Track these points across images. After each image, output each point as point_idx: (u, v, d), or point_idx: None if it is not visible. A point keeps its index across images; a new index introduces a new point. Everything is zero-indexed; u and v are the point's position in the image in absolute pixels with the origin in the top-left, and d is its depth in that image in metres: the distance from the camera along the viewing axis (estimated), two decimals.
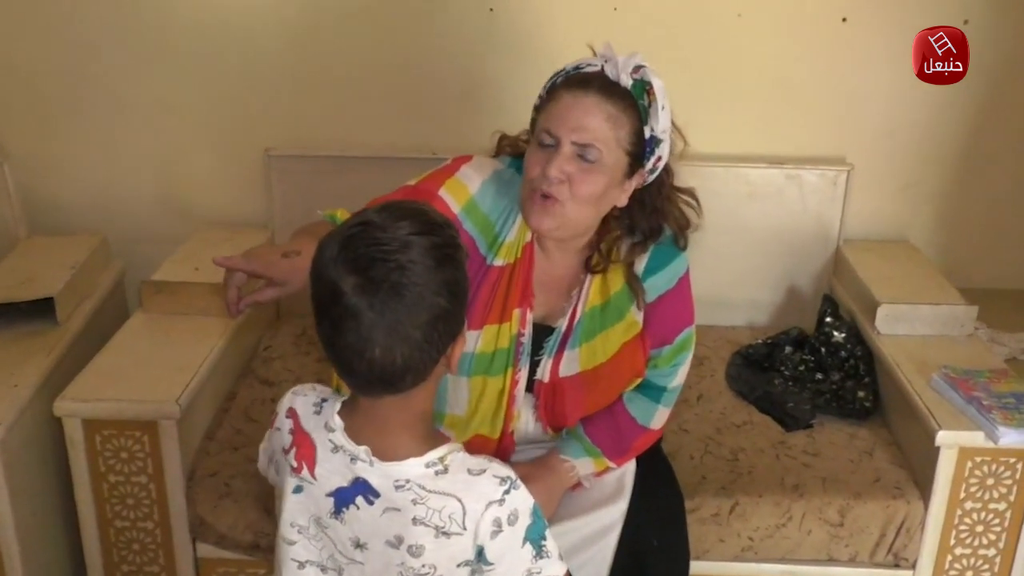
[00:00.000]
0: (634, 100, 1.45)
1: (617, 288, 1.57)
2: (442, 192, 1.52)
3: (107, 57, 2.43)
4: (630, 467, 1.66)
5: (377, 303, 1.03)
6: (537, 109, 1.53)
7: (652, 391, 1.64)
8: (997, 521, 1.89)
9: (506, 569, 1.12)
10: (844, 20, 2.40)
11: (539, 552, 1.13)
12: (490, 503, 1.10)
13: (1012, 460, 1.85)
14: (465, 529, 1.09)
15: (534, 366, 1.56)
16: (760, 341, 2.40)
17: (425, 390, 1.13)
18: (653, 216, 1.54)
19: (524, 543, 1.12)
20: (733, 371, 2.32)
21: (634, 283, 1.56)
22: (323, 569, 1.19)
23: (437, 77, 2.46)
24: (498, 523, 1.10)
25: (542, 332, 1.56)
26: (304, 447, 1.16)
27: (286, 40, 2.43)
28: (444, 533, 1.09)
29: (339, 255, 1.05)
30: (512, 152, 1.62)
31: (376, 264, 1.03)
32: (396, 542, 1.11)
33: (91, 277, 2.32)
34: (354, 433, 1.13)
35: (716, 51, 2.42)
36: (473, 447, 1.52)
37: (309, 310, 2.59)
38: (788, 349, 2.35)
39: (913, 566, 1.93)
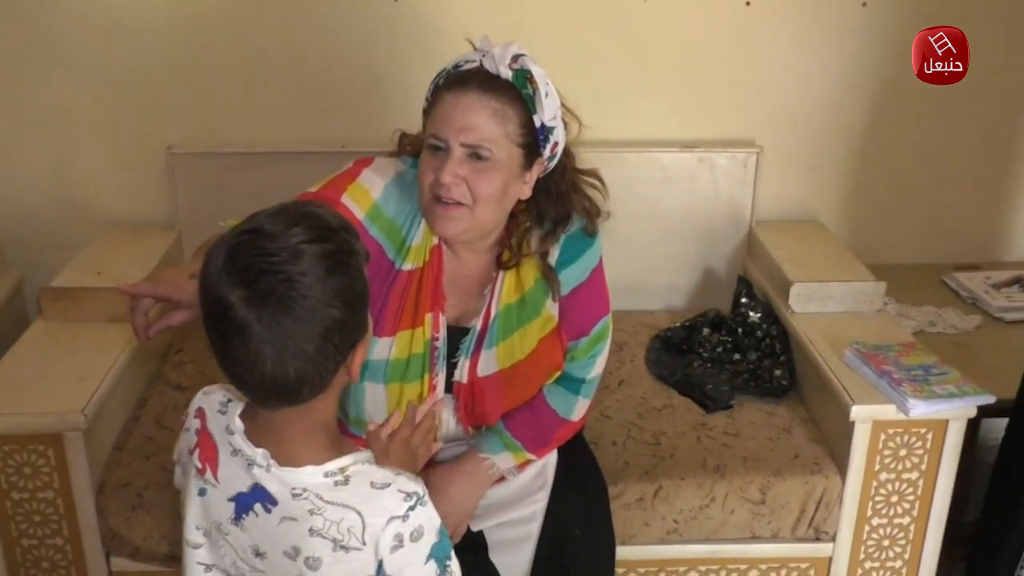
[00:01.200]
0: (517, 91, 1.43)
1: (531, 284, 1.55)
2: (345, 199, 1.48)
3: None
4: (551, 458, 1.65)
5: (265, 317, 0.98)
6: (425, 112, 1.50)
7: (571, 383, 1.63)
8: (911, 490, 1.94)
9: None
10: (748, 4, 2.42)
11: (443, 571, 1.11)
12: (392, 518, 1.06)
13: (923, 431, 1.90)
14: (364, 544, 1.06)
15: (451, 368, 1.54)
16: (678, 324, 2.42)
17: (325, 400, 1.09)
18: (559, 202, 1.53)
19: (428, 560, 1.09)
20: (652, 355, 2.34)
21: (549, 274, 1.55)
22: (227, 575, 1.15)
23: (343, 69, 2.41)
24: (399, 538, 1.06)
25: (457, 333, 1.54)
26: (207, 449, 1.13)
27: (184, 33, 2.35)
28: (343, 547, 1.06)
29: (225, 266, 1.00)
30: (413, 151, 1.59)
31: (264, 276, 0.98)
32: (293, 553, 1.07)
33: None
34: (255, 437, 1.09)
35: (624, 36, 2.43)
36: None
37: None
38: (706, 331, 2.37)
39: (833, 539, 1.97)
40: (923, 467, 1.92)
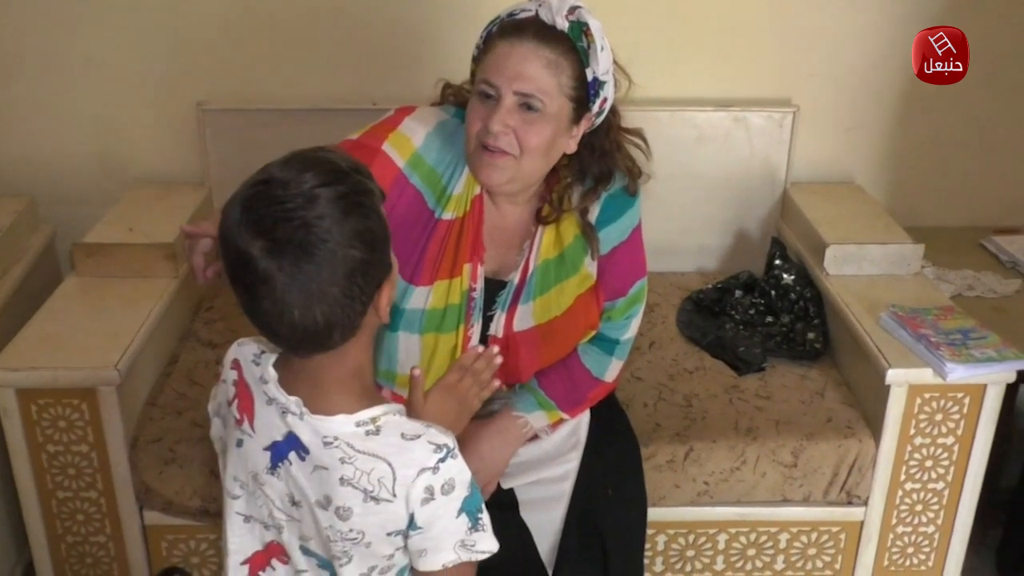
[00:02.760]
0: (572, 43, 1.40)
1: (570, 240, 1.54)
2: (386, 146, 1.47)
3: (28, 10, 2.31)
4: (584, 418, 1.64)
5: (287, 265, 0.98)
6: (475, 60, 1.48)
7: (606, 343, 1.62)
8: (946, 455, 1.92)
9: (437, 535, 1.08)
10: None
11: (475, 524, 1.10)
12: (422, 470, 1.05)
13: (960, 395, 1.87)
14: (395, 496, 1.05)
15: (487, 322, 1.53)
16: (710, 286, 2.40)
17: (358, 343, 1.08)
18: (603, 160, 1.51)
19: (460, 513, 1.08)
20: (684, 317, 2.32)
21: (589, 232, 1.53)
22: (265, 527, 1.16)
23: (375, 25, 2.38)
24: (430, 491, 1.06)
25: (494, 287, 1.53)
26: (244, 399, 1.13)
27: None
28: (373, 498, 1.05)
29: (242, 218, 0.99)
30: (456, 101, 1.57)
31: (281, 224, 0.98)
32: (325, 502, 1.07)
33: (19, 240, 2.23)
34: (289, 385, 1.09)
35: None
36: None
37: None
38: (738, 293, 2.35)
39: (865, 503, 1.95)
40: (959, 432, 1.90)
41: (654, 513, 1.80)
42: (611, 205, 1.55)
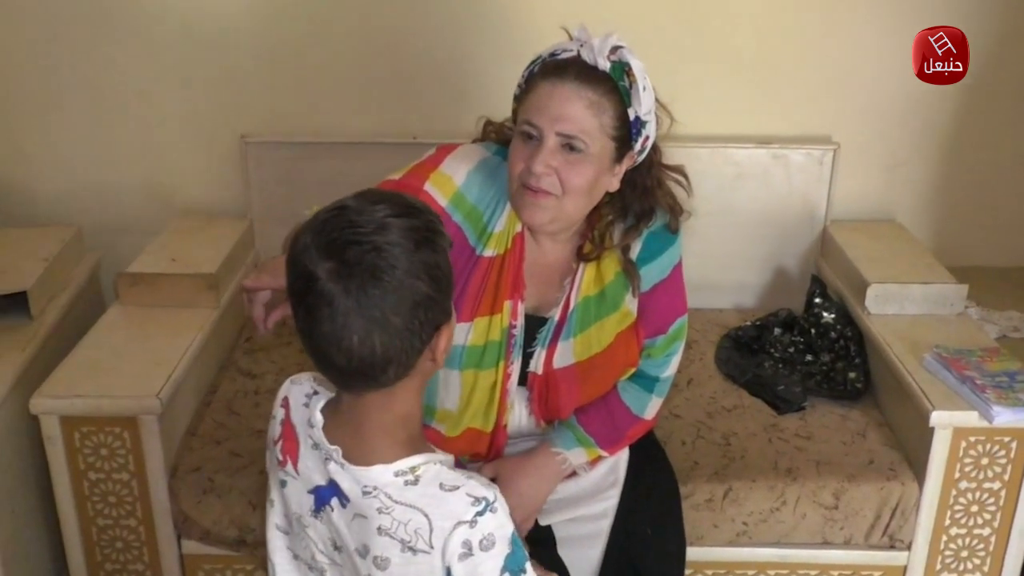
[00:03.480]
0: (614, 83, 1.40)
1: (611, 277, 1.53)
2: (428, 186, 1.48)
3: (80, 45, 2.37)
4: (623, 455, 1.63)
5: (353, 287, 0.97)
6: (517, 99, 1.49)
7: (645, 381, 1.61)
8: (992, 500, 1.88)
9: None
10: None
11: None
12: (459, 523, 1.03)
13: (1007, 439, 1.84)
14: (432, 548, 1.03)
15: (526, 358, 1.52)
16: (749, 323, 2.38)
17: (409, 387, 1.07)
18: (644, 197, 1.51)
19: (503, 572, 1.05)
20: (723, 354, 2.30)
21: (630, 269, 1.52)
22: (309, 567, 1.15)
23: (417, 60, 2.41)
24: (468, 545, 1.03)
25: (534, 323, 1.53)
26: (289, 440, 1.13)
27: (261, 24, 2.37)
28: (410, 548, 1.03)
29: (313, 240, 1.00)
30: (497, 139, 1.58)
31: (351, 247, 0.98)
32: (363, 551, 1.06)
33: (65, 270, 2.26)
34: (332, 431, 1.08)
35: (701, 30, 2.39)
36: (466, 440, 1.50)
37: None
38: (777, 331, 2.33)
39: (908, 547, 1.91)
40: (1006, 477, 1.86)
41: (692, 553, 1.77)
42: (652, 242, 1.55)
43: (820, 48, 2.42)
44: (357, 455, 1.06)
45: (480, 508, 1.03)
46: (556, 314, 1.53)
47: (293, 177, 2.42)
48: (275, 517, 1.17)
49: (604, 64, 1.40)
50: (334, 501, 1.07)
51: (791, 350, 2.28)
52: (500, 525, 1.05)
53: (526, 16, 2.32)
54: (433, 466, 1.07)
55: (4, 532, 1.82)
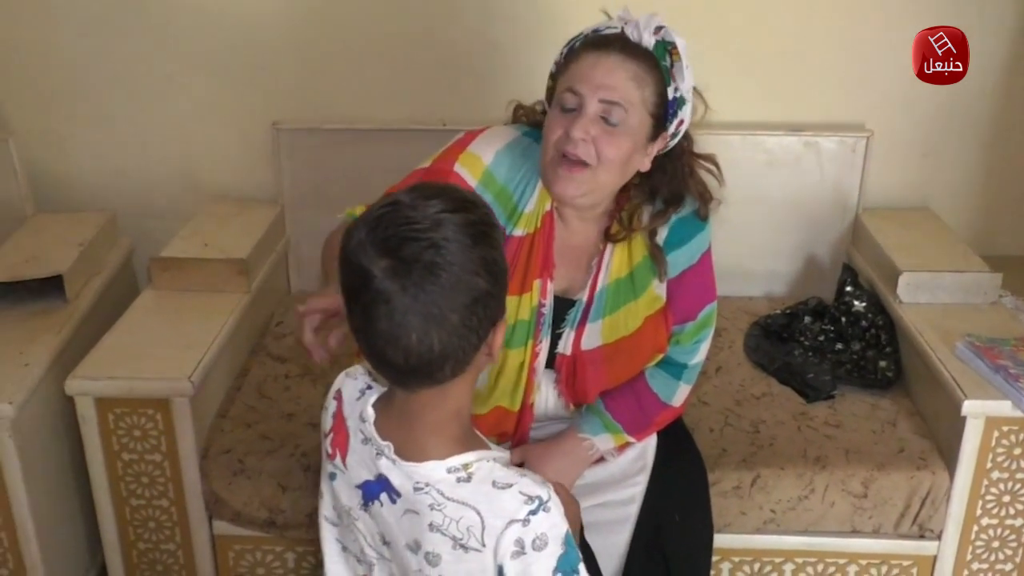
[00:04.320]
0: (656, 61, 1.41)
1: (639, 260, 1.53)
2: (457, 167, 1.49)
3: (113, 31, 2.39)
4: (652, 442, 1.63)
5: (411, 285, 0.95)
6: (554, 76, 1.50)
7: (674, 368, 1.61)
8: None
9: None
10: None
11: None
12: (512, 521, 1.01)
13: None
14: (484, 545, 1.02)
15: (555, 340, 1.53)
16: (779, 311, 2.36)
17: (463, 383, 1.05)
18: (673, 182, 1.51)
19: (555, 573, 1.03)
20: (752, 342, 2.29)
21: (656, 254, 1.52)
22: (358, 561, 1.15)
23: (447, 47, 2.41)
24: (520, 544, 1.01)
25: (562, 305, 1.53)
26: (340, 434, 1.12)
27: (293, 12, 2.39)
28: (462, 546, 1.02)
29: (368, 237, 0.98)
30: (528, 121, 1.59)
31: (408, 244, 0.96)
32: (415, 547, 1.05)
33: (100, 254, 2.29)
34: (384, 426, 1.07)
35: (732, 16, 2.37)
36: (494, 418, 1.51)
37: (320, 286, 2.55)
38: (807, 319, 2.31)
39: (939, 537, 1.90)
40: None
41: (719, 540, 1.77)
42: (681, 228, 1.54)
43: (853, 35, 2.39)
44: (409, 451, 1.05)
45: (533, 507, 1.02)
46: (584, 295, 1.53)
47: (324, 163, 2.44)
48: (324, 509, 1.16)
49: (649, 41, 1.42)
50: (383, 496, 1.06)
51: (821, 338, 2.26)
52: (553, 525, 1.03)
53: (556, 5, 2.31)
54: (486, 463, 1.05)
55: (41, 511, 1.85)
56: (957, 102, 2.43)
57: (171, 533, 1.93)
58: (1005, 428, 1.82)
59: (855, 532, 1.91)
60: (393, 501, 1.06)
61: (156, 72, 2.43)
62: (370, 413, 1.08)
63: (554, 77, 1.49)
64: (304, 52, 2.42)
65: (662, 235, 1.53)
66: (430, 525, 1.03)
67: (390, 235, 0.97)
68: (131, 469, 1.87)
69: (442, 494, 1.03)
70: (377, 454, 1.06)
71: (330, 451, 1.12)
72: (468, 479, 1.03)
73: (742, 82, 2.39)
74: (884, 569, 1.94)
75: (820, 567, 1.95)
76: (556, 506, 1.04)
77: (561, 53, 1.49)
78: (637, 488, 1.58)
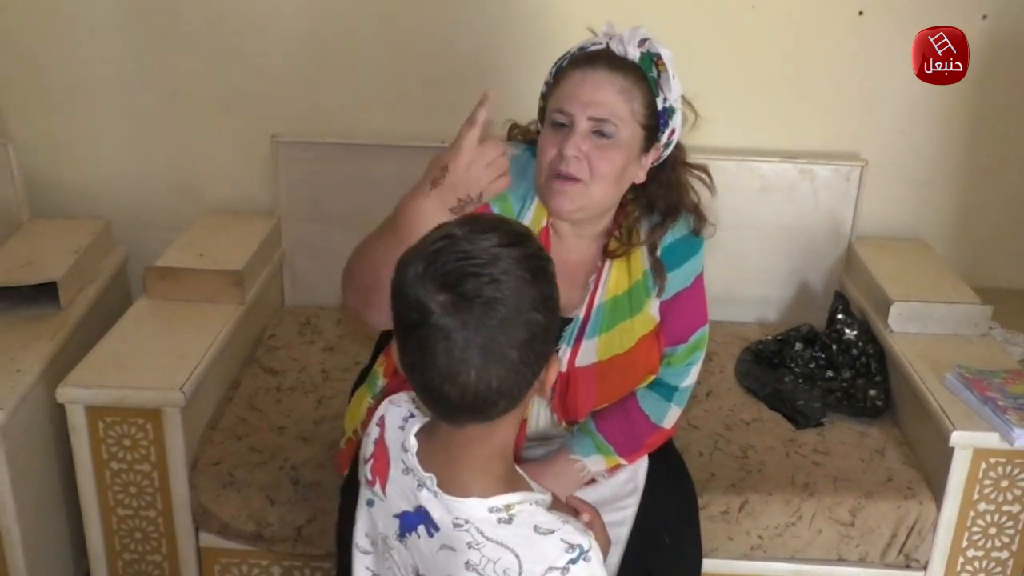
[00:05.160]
0: (643, 73, 1.44)
1: (638, 278, 1.55)
2: None
3: (113, 40, 2.40)
4: (643, 464, 1.64)
5: (471, 321, 0.94)
6: (544, 96, 1.52)
7: (665, 390, 1.62)
8: (1011, 523, 1.87)
9: None
10: (860, 14, 2.37)
11: None
12: (550, 569, 0.99)
13: None
14: None
15: None
16: (770, 338, 2.37)
17: (511, 419, 1.04)
18: (670, 193, 1.53)
19: None
20: (743, 368, 2.30)
21: (657, 268, 1.54)
22: None
23: (446, 64, 2.42)
24: None
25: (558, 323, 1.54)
26: (380, 461, 1.10)
27: (294, 26, 2.40)
28: None
29: (425, 271, 0.95)
30: (524, 140, 1.60)
31: (467, 279, 0.94)
32: None
33: (94, 262, 2.29)
34: (426, 458, 1.05)
35: (729, 43, 2.39)
36: None
37: (314, 299, 2.56)
38: (798, 346, 2.32)
39: (924, 567, 1.91)
40: None
41: (706, 565, 1.76)
42: (677, 250, 1.56)
43: (850, 65, 2.41)
44: (451, 485, 1.03)
45: (574, 556, 1.00)
46: (581, 312, 1.54)
47: (322, 177, 2.45)
48: (357, 536, 1.15)
49: (634, 54, 1.44)
50: (421, 529, 1.04)
51: (812, 366, 2.27)
52: (592, 575, 1.01)
53: (554, 22, 2.33)
54: (529, 506, 1.04)
55: (27, 517, 1.84)
56: (951, 134, 2.45)
57: (157, 544, 1.92)
58: (992, 460, 1.83)
59: (841, 560, 1.91)
60: (431, 535, 1.04)
61: (157, 82, 2.44)
62: (413, 443, 1.06)
63: (545, 97, 1.51)
64: (305, 65, 2.44)
65: (657, 252, 1.55)
66: (466, 564, 1.01)
67: (448, 270, 0.95)
68: (119, 478, 1.86)
69: (481, 533, 1.01)
70: (418, 485, 1.04)
71: (370, 478, 1.11)
72: (509, 520, 1.02)
73: (739, 108, 2.41)
74: None
75: None
76: (596, 555, 1.02)
77: (550, 73, 1.51)
78: (628, 511, 1.58)
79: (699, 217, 1.56)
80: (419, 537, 1.04)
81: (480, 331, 0.94)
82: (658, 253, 1.54)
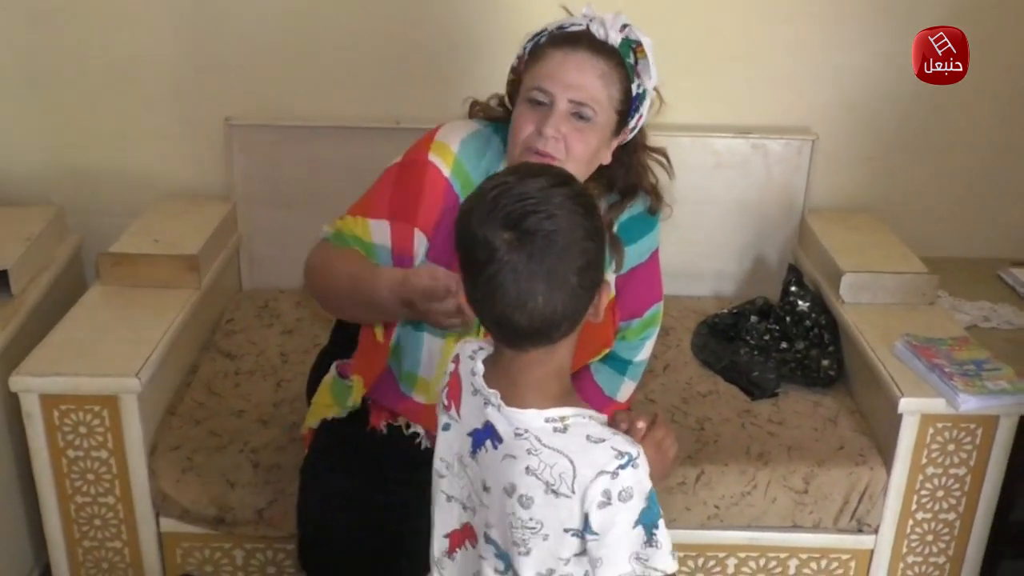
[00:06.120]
0: (621, 58, 1.45)
1: None
2: (431, 157, 1.51)
3: (62, 22, 2.37)
4: None
5: (536, 252, 1.05)
6: (516, 70, 1.52)
7: (619, 363, 1.64)
8: (957, 486, 1.92)
9: (612, 543, 1.09)
10: None
11: (650, 539, 1.10)
12: (601, 472, 1.07)
13: (972, 426, 1.87)
14: (573, 492, 1.09)
15: None
16: (726, 311, 2.41)
17: (569, 342, 1.14)
18: (630, 174, 1.55)
19: (636, 525, 1.09)
20: (699, 341, 2.33)
21: (615, 244, 1.56)
22: (464, 508, 1.22)
23: (402, 45, 2.42)
24: (607, 495, 1.08)
25: None
26: (454, 388, 1.21)
27: (246, 7, 2.38)
28: (553, 491, 1.09)
29: (488, 213, 1.07)
30: (485, 117, 1.61)
31: (528, 216, 1.05)
32: (510, 490, 1.12)
33: (47, 249, 2.27)
34: (491, 380, 1.16)
35: (682, 21, 2.40)
36: None
37: (273, 283, 2.54)
38: (753, 319, 2.36)
39: (876, 531, 1.95)
40: (971, 463, 1.90)
41: None
42: (632, 227, 1.58)
43: (801, 40, 2.44)
44: (512, 400, 1.14)
45: (623, 462, 1.08)
46: None
47: (277, 160, 2.43)
48: (435, 461, 1.24)
49: (615, 39, 1.46)
50: (488, 443, 1.15)
51: (766, 338, 2.31)
52: (639, 480, 1.09)
53: (509, 5, 2.33)
54: (582, 419, 1.13)
55: None
56: (899, 109, 2.49)
57: (117, 531, 1.91)
58: (939, 425, 1.87)
59: (796, 527, 1.95)
60: (495, 447, 1.14)
61: (107, 65, 2.41)
62: (480, 368, 1.18)
63: (515, 71, 1.51)
64: (258, 47, 2.42)
65: (614, 228, 1.57)
66: (526, 468, 1.10)
67: (509, 211, 1.06)
68: (77, 466, 1.86)
69: (539, 440, 1.10)
70: (485, 404, 1.15)
71: (446, 403, 1.21)
72: (564, 430, 1.11)
73: (691, 85, 2.42)
74: (824, 563, 1.99)
75: (762, 561, 1.99)
76: (643, 464, 1.10)
77: (524, 48, 1.51)
78: None
79: (656, 197, 1.59)
80: (486, 451, 1.15)
81: (543, 261, 1.05)
82: (615, 229, 1.56)
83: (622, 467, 1.08)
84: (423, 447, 1.60)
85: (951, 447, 1.89)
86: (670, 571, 1.11)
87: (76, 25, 2.37)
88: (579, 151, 1.44)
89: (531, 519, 1.10)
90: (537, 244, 1.05)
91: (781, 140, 2.46)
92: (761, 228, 2.54)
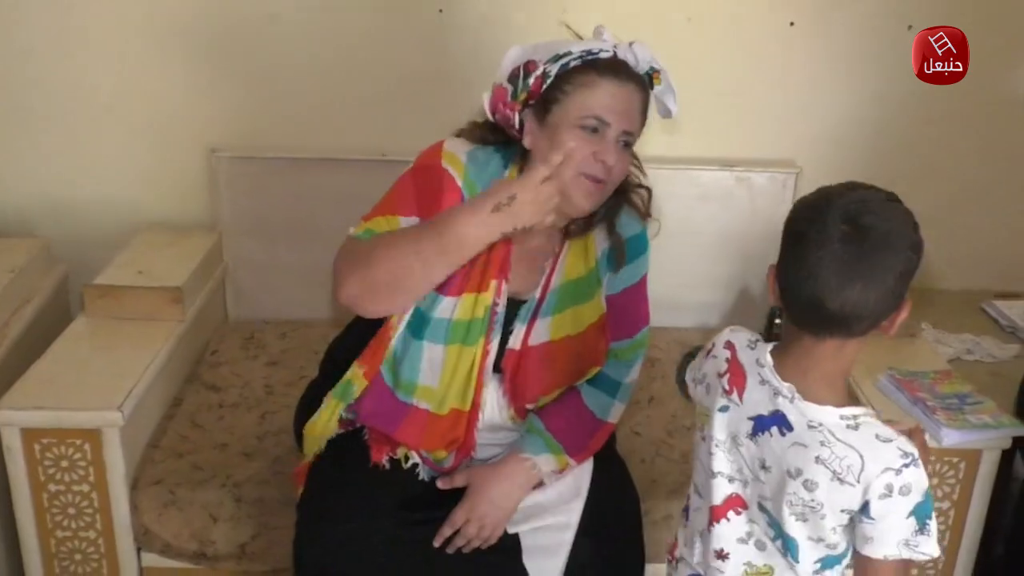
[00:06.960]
0: (649, 91, 1.56)
1: (592, 266, 1.64)
2: (445, 165, 1.55)
3: (44, 55, 2.38)
4: (587, 468, 1.67)
5: (868, 248, 1.14)
6: (549, 94, 1.51)
7: (610, 386, 1.68)
8: (941, 520, 1.92)
9: (885, 528, 1.20)
10: (792, 24, 2.42)
11: (921, 528, 1.21)
12: (887, 469, 1.18)
13: (955, 460, 1.88)
14: (858, 483, 1.19)
15: (505, 337, 1.60)
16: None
17: (859, 344, 1.22)
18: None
19: (910, 515, 1.20)
20: (683, 375, 2.33)
21: (616, 243, 1.64)
22: (730, 480, 1.31)
23: (386, 78, 2.43)
24: (889, 488, 1.18)
25: (513, 305, 1.60)
26: (737, 375, 1.29)
27: (232, 39, 2.39)
28: (839, 479, 1.19)
29: (831, 208, 1.16)
30: (470, 139, 1.64)
31: (867, 215, 1.15)
32: (795, 473, 1.22)
33: (31, 281, 2.26)
34: (782, 371, 1.24)
35: (665, 54, 2.37)
36: (451, 420, 1.58)
37: (258, 314, 2.53)
38: None
39: None
40: (954, 497, 1.91)
41: (649, 570, 1.79)
42: (628, 245, 1.65)
43: (785, 74, 2.47)
44: (806, 394, 1.22)
45: (907, 461, 1.19)
46: (537, 293, 1.61)
47: (262, 191, 2.44)
48: (717, 433, 1.30)
49: (645, 69, 1.55)
50: (774, 429, 1.24)
51: None
52: (919, 479, 1.20)
53: (493, 35, 2.35)
54: (871, 419, 1.22)
55: None
56: (882, 141, 2.51)
57: (98, 566, 1.90)
58: None
59: None
60: (783, 434, 1.23)
61: (92, 97, 2.42)
62: (769, 359, 1.26)
63: (551, 96, 1.51)
64: (243, 80, 2.43)
65: (604, 251, 1.65)
66: (816, 458, 1.20)
67: (852, 208, 1.16)
68: (58, 500, 1.84)
69: (833, 434, 1.20)
70: (775, 394, 1.24)
71: (727, 388, 1.29)
72: (856, 428, 1.21)
73: (676, 118, 2.44)
74: None
75: None
76: (921, 464, 1.21)
77: (555, 67, 1.51)
78: (573, 515, 1.60)
79: (644, 204, 1.68)
80: (771, 436, 1.25)
81: (872, 256, 1.15)
82: (598, 251, 1.64)
83: (906, 465, 1.19)
84: (420, 477, 1.62)
85: (934, 481, 1.89)
86: (935, 555, 1.22)
87: (60, 58, 2.38)
88: (619, 175, 1.55)
89: (813, 500, 1.21)
90: (870, 240, 1.14)
91: (765, 173, 2.49)
92: (745, 260, 2.55)
